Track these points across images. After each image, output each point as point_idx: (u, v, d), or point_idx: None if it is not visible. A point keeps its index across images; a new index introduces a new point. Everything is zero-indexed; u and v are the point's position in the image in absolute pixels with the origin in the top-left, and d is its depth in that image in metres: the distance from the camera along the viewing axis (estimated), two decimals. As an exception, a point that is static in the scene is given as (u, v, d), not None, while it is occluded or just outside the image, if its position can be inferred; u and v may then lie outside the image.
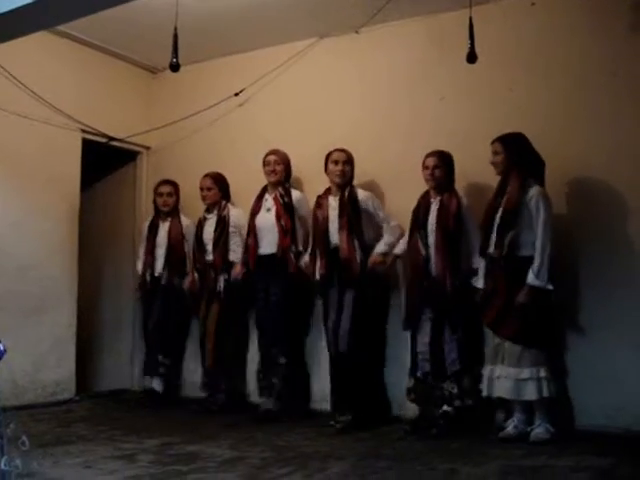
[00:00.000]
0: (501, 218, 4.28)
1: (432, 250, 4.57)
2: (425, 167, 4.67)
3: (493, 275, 4.31)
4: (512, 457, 3.76)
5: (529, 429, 4.22)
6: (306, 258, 5.11)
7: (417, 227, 4.68)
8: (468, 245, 4.59)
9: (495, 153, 4.40)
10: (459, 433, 4.35)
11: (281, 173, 5.31)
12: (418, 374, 4.60)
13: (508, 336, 4.21)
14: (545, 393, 4.16)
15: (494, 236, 4.29)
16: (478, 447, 4.04)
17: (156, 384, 5.81)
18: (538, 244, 4.19)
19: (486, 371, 4.33)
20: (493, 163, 4.41)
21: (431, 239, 4.59)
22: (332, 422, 4.65)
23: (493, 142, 4.43)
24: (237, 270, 5.43)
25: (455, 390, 4.47)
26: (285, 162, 5.36)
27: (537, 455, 3.80)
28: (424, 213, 4.67)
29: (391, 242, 4.90)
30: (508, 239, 4.21)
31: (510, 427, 4.27)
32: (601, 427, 4.32)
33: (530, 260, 4.19)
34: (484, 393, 4.33)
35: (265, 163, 5.34)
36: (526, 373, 4.16)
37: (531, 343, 4.20)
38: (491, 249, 4.31)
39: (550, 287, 4.17)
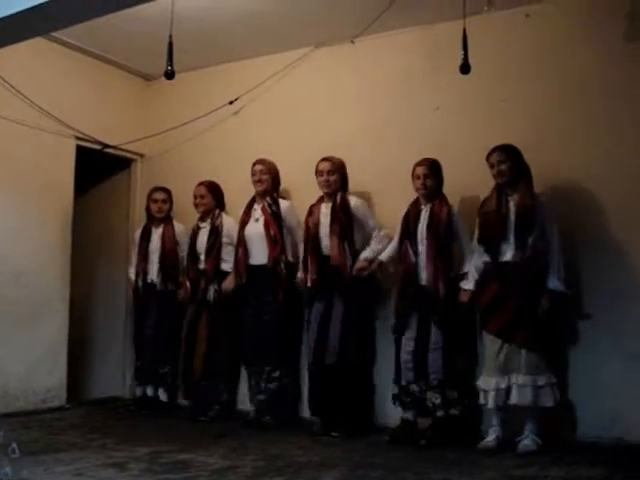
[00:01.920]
0: (517, 223, 4.28)
1: (422, 257, 4.58)
2: (416, 177, 4.69)
3: (502, 281, 4.29)
4: (505, 468, 3.76)
5: (517, 440, 4.20)
6: (300, 275, 5.10)
7: (407, 234, 4.69)
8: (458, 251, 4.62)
9: (500, 162, 4.38)
10: (451, 443, 4.34)
11: (267, 183, 5.32)
12: (402, 382, 4.60)
13: (526, 343, 4.18)
14: (557, 398, 4.19)
15: (511, 242, 4.29)
16: (471, 457, 4.03)
17: (161, 393, 5.78)
18: (554, 249, 4.24)
19: (494, 382, 4.25)
20: (499, 172, 4.38)
21: (421, 247, 4.60)
22: (333, 433, 4.65)
23: (493, 152, 4.42)
24: (228, 281, 5.41)
25: (438, 400, 4.45)
26: (272, 172, 5.36)
27: (530, 465, 3.79)
28: (414, 221, 4.69)
29: (377, 249, 4.91)
30: (531, 241, 4.21)
31: (491, 437, 4.27)
32: (594, 437, 4.32)
33: (542, 266, 4.22)
34: (497, 403, 4.26)
35: (252, 173, 5.36)
36: (543, 380, 4.17)
37: (547, 349, 4.22)
38: (507, 256, 4.30)
39: (569, 291, 4.26)
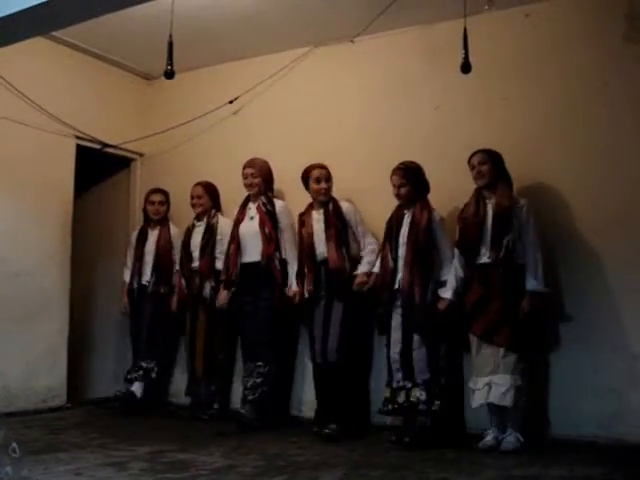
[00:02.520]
0: (494, 224, 4.31)
1: (400, 263, 4.59)
2: (392, 184, 4.69)
3: (484, 284, 4.31)
4: (505, 467, 3.75)
5: (500, 438, 4.22)
6: (293, 288, 5.08)
7: (389, 238, 4.70)
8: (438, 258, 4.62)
9: (480, 163, 4.42)
10: (439, 442, 4.31)
11: (259, 185, 5.31)
12: (394, 385, 4.59)
13: (506, 344, 4.20)
14: (524, 400, 4.21)
15: (487, 243, 4.31)
16: (470, 456, 4.04)
17: (135, 388, 5.72)
18: (531, 250, 4.27)
19: (479, 383, 4.29)
20: (479, 172, 4.42)
21: (401, 251, 4.60)
22: (325, 430, 4.63)
23: (474, 155, 4.47)
24: (222, 297, 5.37)
25: (423, 397, 4.43)
26: (263, 173, 5.35)
27: (530, 465, 3.79)
28: (397, 225, 4.69)
29: (372, 261, 4.91)
30: (505, 241, 4.24)
31: (490, 437, 4.26)
32: (594, 437, 4.32)
33: (522, 268, 4.23)
34: (480, 402, 4.30)
35: (243, 175, 5.35)
36: (521, 380, 4.18)
37: (527, 349, 4.23)
38: (484, 258, 4.33)
39: (548, 290, 4.27)
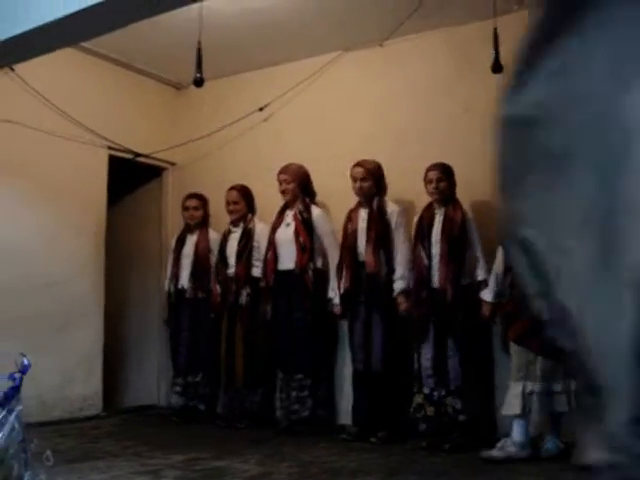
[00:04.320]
0: None
1: (436, 260, 4.56)
2: (428, 181, 4.67)
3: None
4: (544, 473, 3.70)
5: (540, 446, 4.14)
6: (336, 308, 5.01)
7: (421, 238, 4.67)
8: (471, 257, 4.59)
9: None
10: (474, 448, 4.22)
11: (293, 191, 5.28)
12: (425, 390, 4.54)
13: (539, 351, 4.13)
14: (573, 405, 4.11)
15: None
16: (507, 464, 3.95)
17: (197, 402, 5.70)
18: None
19: (518, 388, 4.20)
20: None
21: (435, 250, 4.58)
22: (372, 439, 4.60)
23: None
24: (268, 313, 5.29)
25: (458, 405, 4.40)
26: (297, 179, 5.30)
27: (568, 470, 3.71)
28: (428, 224, 4.67)
29: (405, 275, 4.78)
30: None
31: (496, 449, 4.10)
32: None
33: None
34: (516, 411, 4.22)
35: (278, 182, 5.34)
36: (558, 386, 4.10)
37: (562, 356, 4.13)
38: None
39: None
